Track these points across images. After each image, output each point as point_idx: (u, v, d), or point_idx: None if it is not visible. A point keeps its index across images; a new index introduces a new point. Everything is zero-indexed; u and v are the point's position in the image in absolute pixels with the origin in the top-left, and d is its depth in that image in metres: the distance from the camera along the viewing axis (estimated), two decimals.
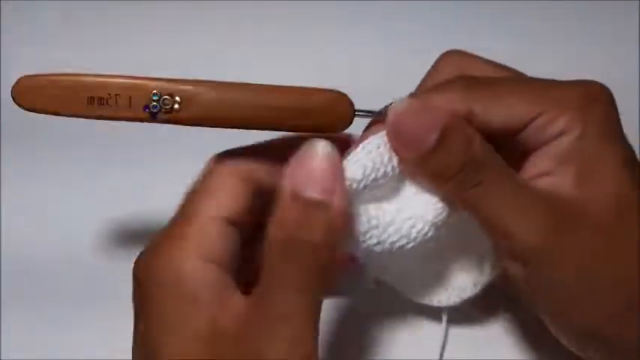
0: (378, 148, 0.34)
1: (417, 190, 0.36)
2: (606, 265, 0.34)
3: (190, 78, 0.34)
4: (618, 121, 0.36)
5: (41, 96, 0.33)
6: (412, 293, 0.43)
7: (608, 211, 0.34)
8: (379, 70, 0.58)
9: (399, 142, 0.34)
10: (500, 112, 0.35)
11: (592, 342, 0.35)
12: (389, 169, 0.35)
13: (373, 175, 0.34)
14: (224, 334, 0.32)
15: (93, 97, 0.33)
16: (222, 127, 0.34)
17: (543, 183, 0.35)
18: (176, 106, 0.33)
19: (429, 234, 0.36)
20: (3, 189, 0.53)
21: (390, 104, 0.34)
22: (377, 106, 0.37)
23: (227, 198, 0.35)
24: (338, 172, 0.31)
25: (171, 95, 0.33)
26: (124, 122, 0.34)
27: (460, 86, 0.35)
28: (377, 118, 0.36)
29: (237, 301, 0.33)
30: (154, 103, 0.33)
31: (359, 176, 0.34)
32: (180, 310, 0.32)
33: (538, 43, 0.59)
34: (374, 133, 0.35)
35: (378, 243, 0.35)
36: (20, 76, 0.34)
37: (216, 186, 0.35)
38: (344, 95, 0.35)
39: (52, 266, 0.50)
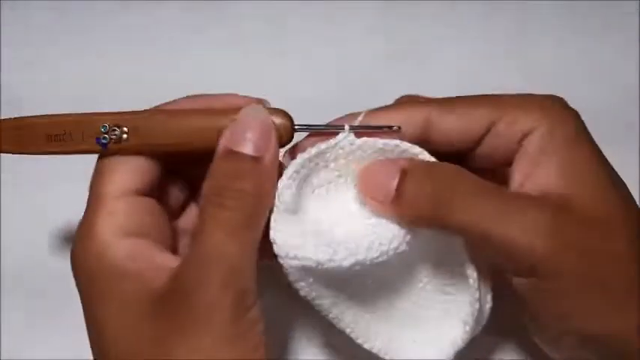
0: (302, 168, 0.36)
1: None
2: (607, 261, 0.33)
3: (139, 109, 0.37)
4: (580, 119, 0.36)
5: (6, 138, 0.37)
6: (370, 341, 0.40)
7: (597, 205, 0.34)
8: (365, 73, 0.58)
9: (367, 195, 0.36)
10: (456, 119, 0.36)
11: (594, 343, 0.35)
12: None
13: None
14: (160, 294, 0.33)
15: (50, 135, 0.36)
16: (170, 153, 0.37)
17: (528, 187, 0.35)
18: (124, 135, 0.35)
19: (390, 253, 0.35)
20: (3, 190, 0.54)
21: (341, 118, 0.37)
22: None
23: (130, 173, 0.36)
24: (269, 133, 0.34)
25: (119, 126, 0.36)
26: None
27: (415, 100, 0.37)
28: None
29: (168, 260, 0.35)
30: (104, 135, 0.35)
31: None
32: (110, 285, 0.34)
33: (538, 43, 0.59)
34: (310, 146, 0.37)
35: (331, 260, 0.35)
36: None
37: (117, 163, 0.37)
38: (280, 111, 0.36)
39: (52, 267, 0.50)
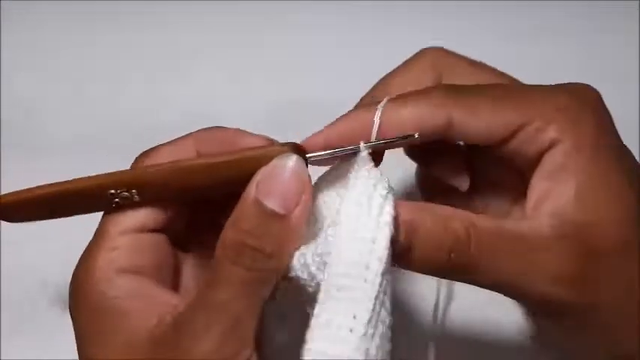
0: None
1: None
2: (632, 288, 0.32)
3: (143, 167, 0.36)
4: (611, 123, 0.34)
5: (7, 212, 0.37)
6: None
7: (621, 233, 0.32)
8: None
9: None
10: (481, 120, 0.33)
11: None
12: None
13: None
14: (161, 335, 0.32)
15: (54, 207, 0.36)
16: (182, 200, 0.36)
17: (545, 209, 0.32)
18: (135, 197, 0.35)
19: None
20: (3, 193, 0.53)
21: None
22: None
23: (140, 211, 0.35)
24: (302, 189, 0.32)
25: (128, 189, 0.35)
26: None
27: (439, 94, 0.33)
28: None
29: (168, 298, 0.34)
30: (116, 199, 0.35)
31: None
32: (112, 323, 0.34)
33: (538, 44, 0.59)
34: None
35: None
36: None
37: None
38: (292, 145, 0.33)
39: (52, 268, 0.50)
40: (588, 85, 0.35)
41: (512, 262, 0.31)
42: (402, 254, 0.31)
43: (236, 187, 0.32)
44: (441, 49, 0.39)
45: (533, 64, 0.57)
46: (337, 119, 0.34)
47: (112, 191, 0.34)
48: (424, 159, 0.39)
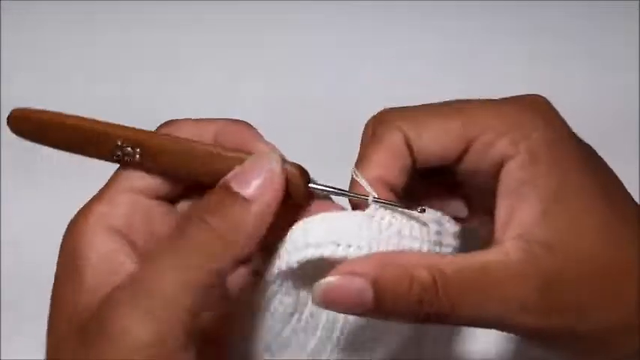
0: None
1: None
2: (611, 308, 0.32)
3: (155, 131, 0.36)
4: (566, 129, 0.33)
5: (22, 126, 0.37)
6: None
7: (593, 248, 0.31)
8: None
9: (346, 311, 0.32)
10: (431, 137, 0.33)
11: None
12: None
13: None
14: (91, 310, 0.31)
15: (67, 136, 0.36)
16: (181, 179, 0.36)
17: (511, 231, 0.32)
18: (137, 157, 0.35)
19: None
20: (3, 193, 0.54)
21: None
22: None
23: (147, 175, 0.35)
24: (275, 185, 0.32)
25: (133, 147, 0.35)
26: None
27: (389, 121, 0.34)
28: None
29: (128, 268, 0.33)
30: (118, 152, 0.35)
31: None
32: (67, 283, 0.33)
33: (537, 44, 0.59)
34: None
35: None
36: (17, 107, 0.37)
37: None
38: (296, 170, 0.33)
39: (52, 268, 0.50)
40: (537, 95, 0.34)
41: (481, 299, 0.31)
42: (375, 308, 0.31)
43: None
44: (391, 110, 0.36)
45: (533, 65, 0.57)
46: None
47: (119, 142, 0.35)
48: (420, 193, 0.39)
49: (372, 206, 0.32)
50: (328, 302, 0.31)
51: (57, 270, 0.35)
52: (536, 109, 0.33)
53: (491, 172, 0.32)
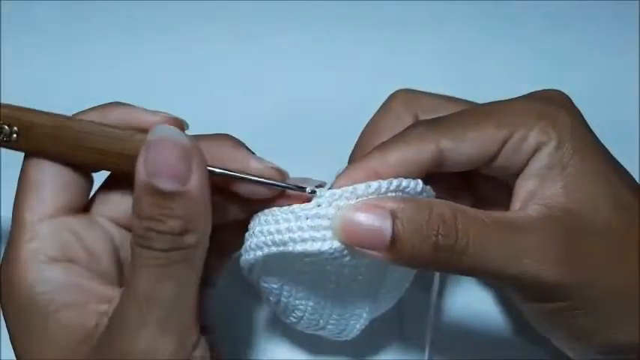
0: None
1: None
2: (618, 272, 0.33)
3: (33, 108, 0.33)
4: (585, 122, 0.36)
5: None
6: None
7: (609, 216, 0.33)
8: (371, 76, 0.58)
9: (361, 249, 0.32)
10: (469, 146, 0.34)
11: (617, 352, 0.34)
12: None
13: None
14: (98, 336, 0.31)
15: None
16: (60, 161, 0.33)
17: (533, 204, 0.33)
18: (14, 136, 0.32)
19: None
20: (3, 196, 0.53)
21: (319, 186, 0.34)
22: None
23: (56, 187, 0.33)
24: (191, 156, 0.30)
25: (10, 125, 0.32)
26: None
27: (423, 128, 0.34)
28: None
29: (105, 293, 0.32)
30: None
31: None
32: (42, 321, 0.31)
33: (537, 44, 0.59)
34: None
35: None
36: None
37: (41, 174, 0.33)
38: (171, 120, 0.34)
39: None
40: (557, 90, 0.36)
41: (500, 246, 0.32)
42: (388, 247, 0.31)
43: (126, 167, 0.31)
44: (410, 91, 0.40)
45: (533, 65, 0.57)
46: (337, 178, 0.34)
47: None
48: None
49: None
50: (347, 238, 0.31)
51: (10, 314, 0.32)
52: (559, 102, 0.35)
53: (522, 164, 0.34)
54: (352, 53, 0.59)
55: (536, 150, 0.34)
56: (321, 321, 0.40)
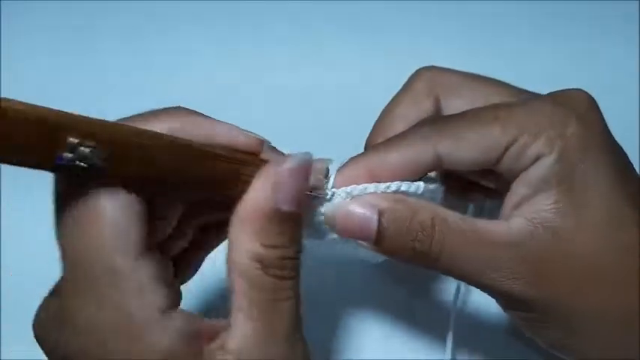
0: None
1: None
2: (598, 296, 0.32)
3: (125, 123, 0.25)
4: (601, 127, 0.33)
5: None
6: None
7: (596, 237, 0.32)
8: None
9: (350, 236, 0.34)
10: (470, 149, 0.33)
11: None
12: None
13: None
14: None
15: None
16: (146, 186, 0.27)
17: (520, 212, 0.33)
18: (97, 161, 0.23)
19: None
20: (3, 194, 0.54)
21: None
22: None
23: (131, 221, 0.29)
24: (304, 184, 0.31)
25: (97, 143, 0.22)
26: None
27: (426, 129, 0.34)
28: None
29: (212, 329, 0.30)
30: (69, 154, 0.22)
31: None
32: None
33: (538, 44, 0.59)
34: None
35: None
36: None
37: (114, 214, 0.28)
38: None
39: (53, 269, 0.50)
40: (578, 90, 0.34)
41: (471, 258, 0.33)
42: (376, 239, 0.33)
43: (206, 190, 0.29)
44: (434, 69, 0.39)
45: (533, 66, 0.57)
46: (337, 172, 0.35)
47: (72, 139, 0.22)
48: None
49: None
50: (339, 226, 0.34)
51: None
52: (572, 106, 0.33)
53: (522, 170, 0.33)
54: (352, 53, 0.59)
55: (537, 159, 0.32)
56: None
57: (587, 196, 0.32)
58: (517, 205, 0.33)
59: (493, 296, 0.35)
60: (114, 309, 0.27)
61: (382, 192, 0.34)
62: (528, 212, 0.33)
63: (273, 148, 0.34)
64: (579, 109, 0.33)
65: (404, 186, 0.34)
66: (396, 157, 0.34)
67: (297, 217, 0.31)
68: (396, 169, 0.34)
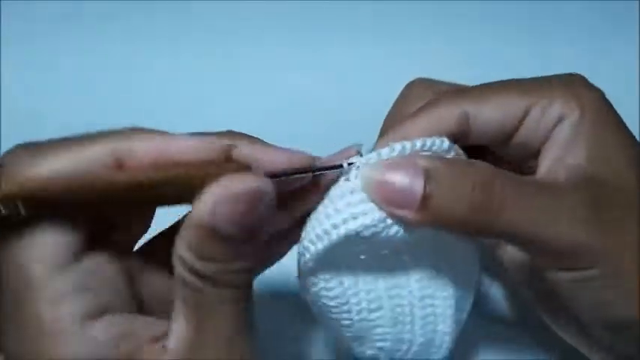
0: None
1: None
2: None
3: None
4: (607, 99, 0.36)
5: None
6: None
7: (634, 185, 0.33)
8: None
9: (390, 206, 0.31)
10: (493, 109, 0.34)
11: (629, 329, 0.33)
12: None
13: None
14: None
15: None
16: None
17: (558, 172, 0.34)
18: (21, 211, 0.25)
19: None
20: None
21: (351, 164, 0.32)
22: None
23: (51, 243, 0.28)
24: (268, 211, 0.28)
25: (13, 202, 0.25)
26: None
27: (450, 95, 0.35)
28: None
29: (152, 326, 0.30)
30: None
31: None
32: None
33: (538, 44, 0.59)
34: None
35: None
36: None
37: (37, 237, 0.28)
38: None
39: None
40: (579, 74, 0.37)
41: (536, 208, 0.31)
42: (418, 206, 0.30)
43: (168, 202, 0.28)
44: (424, 80, 0.40)
45: (533, 65, 0.57)
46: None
47: None
48: None
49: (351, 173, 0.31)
50: (375, 192, 0.31)
51: None
52: (581, 82, 0.36)
53: (544, 135, 0.34)
54: (352, 56, 0.59)
55: (559, 121, 0.34)
56: (406, 334, 0.37)
57: (613, 145, 0.34)
58: (552, 167, 0.34)
59: (551, 255, 0.33)
60: (30, 320, 0.27)
61: (408, 152, 0.32)
62: (567, 167, 0.34)
63: (267, 144, 0.33)
64: (585, 83, 0.36)
65: (429, 141, 0.32)
66: (424, 121, 0.34)
67: (247, 236, 0.28)
68: (425, 130, 0.34)
